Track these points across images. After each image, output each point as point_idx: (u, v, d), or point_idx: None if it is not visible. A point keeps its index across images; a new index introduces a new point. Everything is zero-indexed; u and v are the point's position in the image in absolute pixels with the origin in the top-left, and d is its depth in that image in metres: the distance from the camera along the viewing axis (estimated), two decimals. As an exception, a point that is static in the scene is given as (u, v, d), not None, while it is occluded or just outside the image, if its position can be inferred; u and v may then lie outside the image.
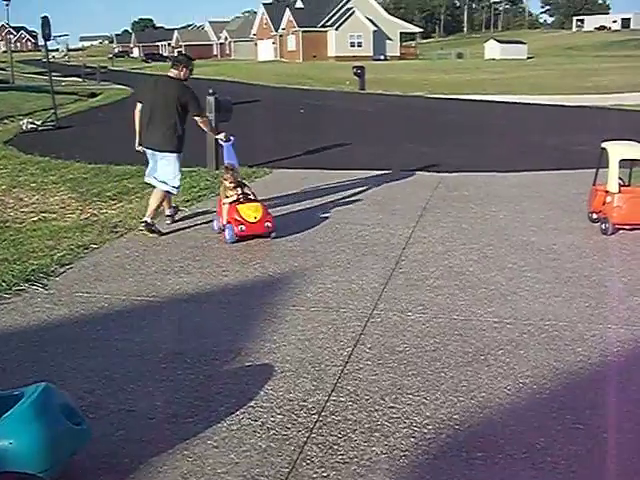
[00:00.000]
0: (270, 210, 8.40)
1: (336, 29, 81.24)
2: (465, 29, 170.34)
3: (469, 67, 66.58)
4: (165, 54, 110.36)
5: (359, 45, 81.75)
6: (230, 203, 8.01)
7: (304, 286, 6.36)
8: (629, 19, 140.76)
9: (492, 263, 7.11)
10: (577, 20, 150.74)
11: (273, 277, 6.68)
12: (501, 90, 41.51)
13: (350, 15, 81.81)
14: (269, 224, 7.96)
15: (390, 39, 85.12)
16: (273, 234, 7.99)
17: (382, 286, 6.35)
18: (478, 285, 6.41)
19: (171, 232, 8.47)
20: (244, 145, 15.99)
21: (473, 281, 6.53)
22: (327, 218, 9.13)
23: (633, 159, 8.59)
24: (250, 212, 7.90)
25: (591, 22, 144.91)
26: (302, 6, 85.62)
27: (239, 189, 8.20)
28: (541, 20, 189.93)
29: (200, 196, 10.65)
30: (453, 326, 5.40)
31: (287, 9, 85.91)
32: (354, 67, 38.46)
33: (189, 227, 8.73)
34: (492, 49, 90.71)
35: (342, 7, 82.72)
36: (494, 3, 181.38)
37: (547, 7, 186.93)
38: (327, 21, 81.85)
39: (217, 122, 12.75)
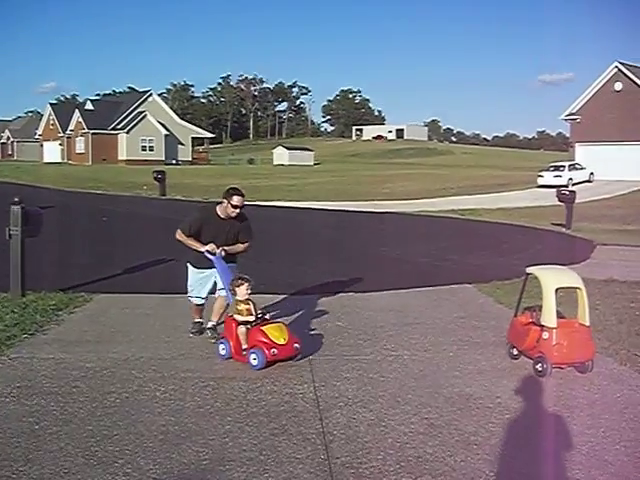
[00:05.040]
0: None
1: (127, 132, 78.48)
2: (251, 135, 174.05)
3: (263, 172, 66.76)
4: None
5: (151, 149, 79.45)
6: (250, 325, 7.23)
7: (215, 506, 4.16)
8: (403, 130, 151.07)
9: (448, 435, 5.30)
10: (356, 129, 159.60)
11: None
12: (304, 196, 41.20)
13: (142, 119, 79.52)
14: (297, 345, 7.18)
15: (182, 144, 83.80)
16: (299, 355, 7.23)
17: (330, 495, 4.30)
18: (457, 479, 4.54)
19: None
20: (48, 264, 13.51)
21: (447, 472, 4.65)
22: (191, 370, 6.95)
23: (569, 287, 7.26)
24: (277, 333, 7.06)
25: (369, 131, 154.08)
26: (92, 108, 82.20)
27: (251, 305, 7.41)
28: (322, 129, 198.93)
29: (9, 337, 8.00)
30: None
31: (76, 110, 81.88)
32: (154, 172, 36.43)
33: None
34: (280, 155, 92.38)
35: (133, 110, 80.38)
36: (278, 112, 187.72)
37: (328, 117, 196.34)
38: (118, 124, 78.89)
39: (23, 238, 10.30)
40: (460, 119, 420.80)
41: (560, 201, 26.48)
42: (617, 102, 48.35)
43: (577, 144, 51.71)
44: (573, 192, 26.54)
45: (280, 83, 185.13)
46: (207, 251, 7.86)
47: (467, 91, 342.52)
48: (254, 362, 6.91)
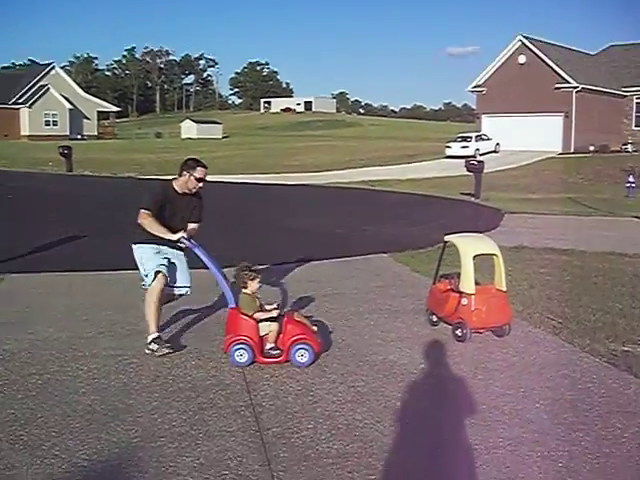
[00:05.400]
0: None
1: (29, 107, 75.48)
2: (158, 109, 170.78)
3: (171, 147, 65.74)
4: None
5: (55, 124, 76.81)
6: (277, 320, 6.39)
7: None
8: (311, 102, 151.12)
9: (375, 402, 5.40)
10: (265, 102, 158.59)
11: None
12: (213, 170, 40.68)
13: (44, 92, 76.73)
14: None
15: (87, 118, 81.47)
16: None
17: (266, 467, 4.32)
18: (388, 445, 4.64)
19: None
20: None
21: (377, 438, 4.75)
22: (112, 348, 6.81)
23: (486, 254, 7.45)
24: (309, 322, 6.57)
25: (277, 104, 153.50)
26: (-9, 81, 79.05)
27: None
28: (230, 101, 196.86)
29: None
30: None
31: (-26, 84, 78.78)
32: (60, 147, 35.36)
33: None
34: (188, 128, 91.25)
35: (35, 84, 77.43)
36: (185, 85, 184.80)
37: (236, 90, 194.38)
38: (19, 98, 75.81)
39: None
40: (368, 91, 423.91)
41: (469, 171, 27.09)
42: (521, 74, 49.69)
43: (483, 115, 52.92)
44: (481, 162, 27.20)
45: (187, 55, 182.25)
46: (183, 238, 6.64)
47: (375, 63, 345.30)
48: (303, 359, 6.23)
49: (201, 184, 6.92)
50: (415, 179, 37.24)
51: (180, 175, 6.92)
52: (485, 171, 27.96)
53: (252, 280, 6.49)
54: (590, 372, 6.19)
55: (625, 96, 52.41)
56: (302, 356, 6.24)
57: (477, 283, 7.35)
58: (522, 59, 50.53)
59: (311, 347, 6.25)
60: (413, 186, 33.53)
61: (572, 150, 47.85)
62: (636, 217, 20.39)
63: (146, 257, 6.76)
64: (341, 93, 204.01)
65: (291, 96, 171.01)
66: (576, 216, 21.38)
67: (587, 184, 37.52)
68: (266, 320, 6.36)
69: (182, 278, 6.98)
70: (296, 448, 4.57)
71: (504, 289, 7.35)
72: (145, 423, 4.96)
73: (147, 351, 6.55)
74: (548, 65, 49.02)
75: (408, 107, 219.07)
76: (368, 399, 5.48)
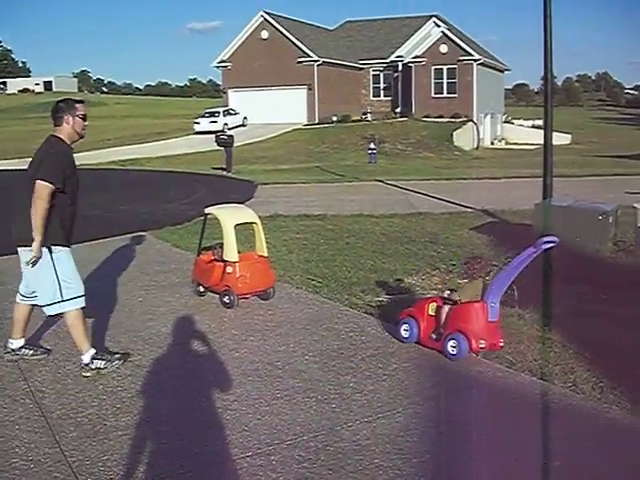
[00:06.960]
0: None
1: None
2: None
3: None
4: None
5: None
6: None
7: None
8: (51, 82, 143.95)
9: (154, 373, 5.57)
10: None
11: None
12: None
13: None
14: None
15: None
16: None
17: (56, 447, 4.32)
18: (175, 412, 4.83)
19: None
20: None
21: (157, 406, 4.91)
22: None
23: (246, 222, 7.82)
24: None
25: (14, 85, 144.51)
26: None
27: None
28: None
29: None
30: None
31: None
32: None
33: None
34: None
35: None
36: None
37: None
38: None
39: None
40: (111, 69, 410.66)
41: (219, 145, 27.52)
42: (264, 49, 50.87)
43: (230, 90, 53.46)
44: (231, 136, 27.70)
45: None
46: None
47: (116, 40, 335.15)
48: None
49: (87, 122, 5.64)
50: (166, 156, 37.04)
51: (59, 125, 5.49)
52: (235, 144, 28.53)
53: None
54: (351, 323, 6.80)
55: (362, 69, 55.49)
56: None
57: (239, 251, 7.69)
58: (265, 34, 51.67)
59: None
60: (165, 163, 33.37)
61: (317, 121, 49.89)
62: (379, 180, 21.94)
63: (69, 271, 5.68)
64: (82, 72, 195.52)
65: (29, 76, 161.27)
66: (324, 183, 22.57)
67: (332, 152, 39.47)
68: None
69: None
70: (84, 426, 4.62)
71: (265, 255, 7.78)
72: None
73: (87, 374, 5.56)
74: (290, 40, 50.60)
75: (153, 84, 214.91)
76: (148, 371, 5.63)
